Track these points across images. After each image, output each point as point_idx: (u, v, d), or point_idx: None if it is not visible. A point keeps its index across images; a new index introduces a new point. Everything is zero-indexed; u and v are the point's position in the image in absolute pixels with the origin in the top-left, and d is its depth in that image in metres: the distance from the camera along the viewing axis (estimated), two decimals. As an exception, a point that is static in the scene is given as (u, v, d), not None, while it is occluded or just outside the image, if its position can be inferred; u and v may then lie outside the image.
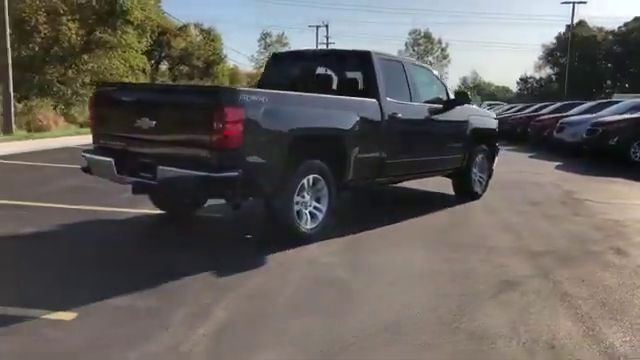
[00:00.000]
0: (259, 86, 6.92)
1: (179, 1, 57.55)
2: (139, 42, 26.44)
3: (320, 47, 46.85)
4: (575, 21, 48.16)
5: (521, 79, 65.43)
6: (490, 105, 36.61)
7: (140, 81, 25.96)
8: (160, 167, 4.63)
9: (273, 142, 4.76)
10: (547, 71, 62.56)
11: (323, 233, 5.38)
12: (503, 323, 3.63)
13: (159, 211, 6.09)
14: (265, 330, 3.36)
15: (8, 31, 15.20)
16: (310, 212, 5.30)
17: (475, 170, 7.82)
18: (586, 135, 13.86)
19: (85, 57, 24.36)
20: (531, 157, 15.38)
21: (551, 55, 60.70)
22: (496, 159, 8.37)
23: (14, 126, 15.08)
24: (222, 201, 5.24)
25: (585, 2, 48.63)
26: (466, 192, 7.80)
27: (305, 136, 5.02)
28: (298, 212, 5.15)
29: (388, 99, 6.04)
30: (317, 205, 5.36)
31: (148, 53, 34.76)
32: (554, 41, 59.49)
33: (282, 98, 5.02)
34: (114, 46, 24.44)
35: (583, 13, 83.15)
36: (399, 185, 8.12)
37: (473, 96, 57.56)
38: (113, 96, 5.46)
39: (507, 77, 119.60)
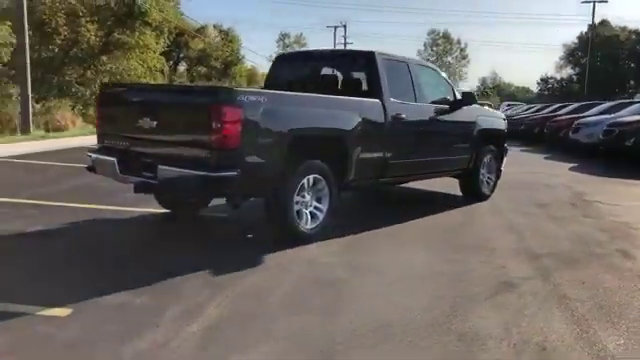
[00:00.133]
0: (265, 86, 6.96)
1: (198, 2, 58.07)
2: (157, 43, 26.68)
3: (338, 48, 46.86)
4: (597, 20, 47.57)
5: (541, 79, 64.65)
6: (509, 105, 36.34)
7: (158, 82, 26.20)
8: (160, 167, 4.69)
9: (272, 142, 4.79)
10: (568, 71, 61.73)
11: (324, 233, 5.39)
12: (496, 324, 3.61)
13: (164, 210, 6.16)
14: (255, 328, 3.39)
15: (27, 34, 15.43)
16: (310, 212, 5.32)
17: (483, 171, 7.76)
18: (602, 136, 13.65)
19: (104, 58, 24.67)
20: (546, 158, 15.22)
21: (572, 55, 59.87)
22: (505, 160, 8.31)
23: (32, 126, 15.34)
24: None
25: (606, 1, 48.01)
26: (473, 193, 7.75)
27: (304, 136, 5.04)
28: (298, 212, 5.17)
29: (392, 99, 6.04)
30: (318, 205, 5.37)
31: (166, 54, 35.10)
32: (575, 41, 58.70)
33: (281, 98, 5.05)
34: (132, 47, 24.70)
35: (605, 12, 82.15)
36: (406, 186, 8.11)
37: (493, 96, 56.95)
38: (116, 97, 5.55)
39: (528, 77, 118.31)
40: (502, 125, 8.25)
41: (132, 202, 6.34)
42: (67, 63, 23.53)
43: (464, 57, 73.70)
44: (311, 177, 5.22)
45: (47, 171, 9.17)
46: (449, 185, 8.15)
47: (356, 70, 6.51)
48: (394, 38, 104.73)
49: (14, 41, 15.74)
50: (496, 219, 6.86)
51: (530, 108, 26.48)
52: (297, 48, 60.79)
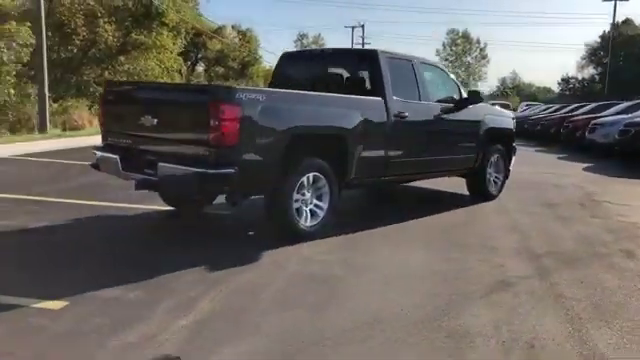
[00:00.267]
0: (270, 84, 7.01)
1: (216, 3, 58.40)
2: (173, 44, 26.91)
3: (356, 48, 46.83)
4: (621, 19, 46.80)
5: (562, 79, 63.77)
6: (527, 105, 36.01)
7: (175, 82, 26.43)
8: (160, 164, 4.75)
9: (270, 140, 4.82)
10: (590, 71, 60.82)
11: (324, 231, 5.40)
12: (487, 322, 3.60)
13: (168, 208, 6.23)
14: (244, 323, 3.42)
15: (44, 34, 15.68)
16: (310, 210, 5.34)
17: (490, 170, 7.72)
18: (618, 136, 13.47)
19: (121, 58, 24.94)
20: (560, 158, 15.06)
21: (595, 54, 58.95)
22: (513, 159, 8.24)
23: (49, 125, 15.59)
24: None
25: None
26: (480, 192, 7.71)
27: (303, 134, 5.07)
28: (298, 209, 5.20)
29: (394, 98, 6.04)
30: (318, 203, 5.39)
31: (185, 54, 35.42)
32: (598, 40, 57.83)
33: (280, 96, 5.08)
34: (149, 47, 24.95)
35: (629, 11, 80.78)
36: (413, 185, 8.10)
37: (512, 97, 56.40)
38: (119, 95, 5.64)
39: (549, 77, 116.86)
40: (510, 124, 8.18)
41: (138, 200, 6.40)
42: (85, 63, 23.85)
43: (484, 57, 73.19)
44: (311, 175, 5.24)
45: (58, 169, 9.32)
46: (456, 184, 8.11)
47: (359, 69, 6.50)
48: (413, 38, 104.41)
49: (34, 42, 16.00)
50: (501, 219, 6.82)
51: (548, 108, 26.20)
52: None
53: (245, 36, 42.89)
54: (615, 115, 16.04)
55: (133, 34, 24.98)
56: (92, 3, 22.69)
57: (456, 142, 7.10)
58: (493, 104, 34.50)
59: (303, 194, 5.26)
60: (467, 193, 7.92)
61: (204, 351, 3.02)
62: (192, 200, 6.10)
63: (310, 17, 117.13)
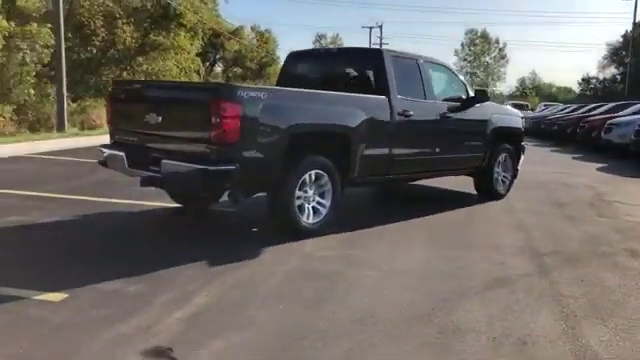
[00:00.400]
0: (278, 84, 7.07)
1: (235, 4, 58.71)
2: (191, 44, 27.16)
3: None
4: (641, 18, 45.95)
5: (583, 79, 62.89)
6: (545, 106, 35.66)
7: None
8: (163, 161, 4.83)
9: (272, 137, 4.88)
10: (612, 71, 59.90)
11: (327, 228, 5.44)
12: (480, 319, 3.62)
13: (175, 204, 6.33)
14: (238, 316, 3.48)
15: (62, 35, 15.94)
16: (313, 207, 5.39)
17: (498, 169, 7.69)
18: (634, 136, 13.32)
19: (140, 59, 25.24)
20: (575, 158, 14.91)
21: (616, 54, 58.04)
22: (522, 159, 8.20)
23: (67, 124, 15.85)
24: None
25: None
26: (487, 191, 7.69)
27: (305, 132, 5.12)
28: (300, 207, 5.25)
29: (399, 96, 6.06)
30: (321, 200, 5.44)
31: (203, 55, 35.72)
32: (620, 39, 56.94)
33: (281, 94, 5.14)
34: (167, 48, 25.21)
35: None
36: (420, 183, 8.12)
37: (531, 97, 55.75)
38: (125, 94, 5.75)
39: (570, 77, 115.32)
40: (518, 123, 8.14)
41: (146, 196, 6.50)
42: (104, 64, 24.19)
43: (502, 57, 72.59)
44: (313, 173, 5.29)
45: (71, 167, 9.50)
46: (465, 183, 8.09)
47: (364, 67, 6.52)
48: (431, 38, 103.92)
49: (54, 43, 16.28)
50: (507, 218, 6.80)
51: (565, 108, 25.92)
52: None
53: (263, 37, 43.07)
54: (632, 115, 15.85)
55: (151, 35, 25.27)
56: (111, 4, 23.01)
57: (462, 141, 7.09)
58: (513, 104, 34.21)
59: (305, 191, 5.30)
60: (475, 192, 7.90)
61: (195, 343, 3.08)
62: (198, 197, 6.17)
63: (329, 18, 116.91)
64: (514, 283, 4.37)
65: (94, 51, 23.72)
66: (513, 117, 8.17)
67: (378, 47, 6.93)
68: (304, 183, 5.25)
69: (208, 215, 6.37)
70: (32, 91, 16.39)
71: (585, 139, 17.47)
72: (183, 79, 26.43)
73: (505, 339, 3.34)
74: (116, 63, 24.53)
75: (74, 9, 22.15)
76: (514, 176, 8.02)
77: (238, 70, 41.59)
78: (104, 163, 5.68)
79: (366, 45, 51.58)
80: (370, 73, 6.35)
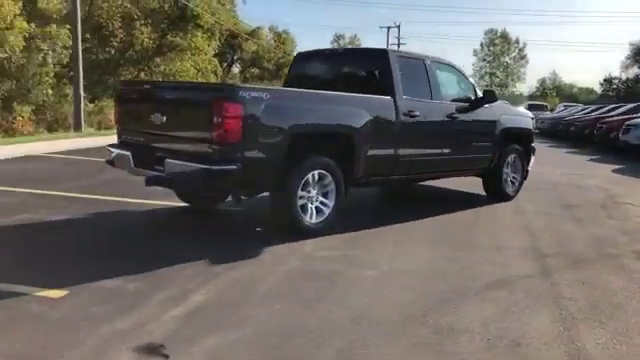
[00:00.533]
0: (285, 85, 7.11)
1: (252, 4, 58.86)
2: (208, 45, 27.38)
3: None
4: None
5: (605, 80, 62.01)
6: (565, 106, 35.27)
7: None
8: (167, 160, 4.90)
9: (274, 138, 4.90)
10: (635, 71, 58.92)
11: (330, 228, 5.46)
12: (477, 320, 3.61)
13: (182, 204, 6.39)
14: (234, 315, 3.51)
15: (79, 37, 16.17)
16: (316, 207, 5.41)
17: (507, 170, 7.64)
18: (652, 137, 13.15)
19: (157, 60, 25.52)
20: (590, 160, 14.72)
21: (639, 54, 57.18)
22: (532, 160, 8.13)
23: (83, 124, 16.10)
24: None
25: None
26: (496, 192, 7.64)
27: (308, 132, 5.15)
28: (303, 206, 5.27)
29: (404, 97, 6.06)
30: (324, 200, 5.46)
31: (221, 56, 35.96)
32: (644, 39, 55.99)
33: (283, 95, 5.18)
34: (184, 49, 25.45)
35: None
36: (429, 183, 8.10)
37: (551, 98, 55.06)
38: (132, 94, 5.83)
39: (592, 78, 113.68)
40: (528, 124, 8.08)
41: (154, 196, 6.56)
42: (122, 64, 24.52)
43: (522, 57, 71.91)
44: (316, 173, 5.31)
45: (84, 166, 9.63)
46: (475, 185, 8.04)
47: (370, 68, 6.52)
48: (450, 38, 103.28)
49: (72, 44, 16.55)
50: (515, 219, 6.75)
51: (584, 109, 25.61)
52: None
53: (280, 37, 43.22)
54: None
55: (169, 36, 25.55)
56: (129, 6, 23.32)
57: (470, 142, 7.05)
58: (531, 105, 33.78)
59: (308, 191, 5.33)
60: (484, 193, 7.86)
61: (188, 340, 3.12)
62: (205, 196, 6.23)
63: (347, 18, 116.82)
64: (515, 284, 4.35)
65: (112, 52, 24.07)
66: (522, 118, 8.11)
67: (384, 47, 6.99)
68: (307, 183, 5.27)
69: (214, 214, 6.43)
70: (50, 91, 16.68)
71: (602, 140, 17.27)
72: (200, 80, 26.65)
73: (499, 340, 3.33)
74: (134, 64, 24.86)
75: (93, 10, 22.48)
76: (524, 177, 7.95)
77: (255, 71, 41.78)
78: (111, 162, 5.76)
79: (383, 45, 51.49)
80: (375, 73, 6.34)
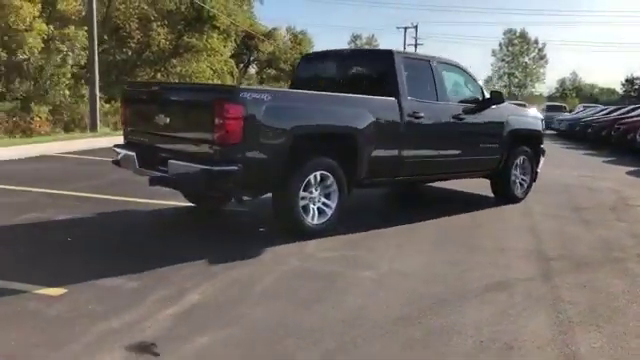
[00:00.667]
0: (291, 86, 7.14)
1: (270, 5, 59.00)
2: (224, 46, 27.55)
3: (408, 49, 46.60)
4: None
5: (627, 80, 61.13)
6: (584, 107, 34.84)
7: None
8: (170, 161, 4.95)
9: (275, 139, 4.93)
10: (659, 70, 57.98)
11: (332, 229, 5.46)
12: (472, 322, 3.59)
13: (188, 204, 6.45)
14: (229, 314, 3.54)
15: (95, 38, 16.38)
16: (318, 208, 5.42)
17: (515, 172, 7.58)
18: (670, 139, 12.93)
19: (174, 61, 25.75)
20: (606, 162, 14.50)
21: (662, 54, 56.27)
22: (542, 161, 8.05)
23: (99, 124, 16.31)
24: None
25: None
26: (504, 194, 7.58)
27: (309, 133, 5.17)
28: (305, 207, 5.29)
29: (409, 98, 6.05)
30: (326, 201, 5.47)
31: (237, 57, 36.17)
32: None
33: (284, 96, 5.21)
34: (200, 50, 25.65)
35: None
36: (435, 185, 8.06)
37: (571, 98, 54.32)
38: (137, 95, 5.90)
39: (614, 78, 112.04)
40: (537, 126, 8.00)
41: (165, 196, 6.60)
42: (139, 65, 24.79)
43: (542, 57, 71.14)
44: (318, 174, 5.32)
45: (96, 165, 9.73)
46: (483, 186, 7.98)
47: (375, 69, 6.52)
48: (468, 38, 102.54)
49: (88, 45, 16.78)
50: (522, 221, 6.70)
51: (603, 110, 25.27)
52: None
53: (297, 38, 43.31)
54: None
55: (185, 37, 25.76)
56: (146, 7, 23.55)
57: (477, 143, 7.00)
58: (549, 106, 33.39)
59: (310, 192, 5.34)
60: (492, 195, 7.80)
61: (180, 339, 3.15)
62: (210, 197, 6.27)
63: (365, 18, 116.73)
64: (514, 287, 4.32)
65: (129, 53, 24.37)
66: (531, 119, 8.04)
67: (389, 49, 7.00)
68: (309, 184, 5.29)
69: (220, 215, 6.47)
70: (67, 92, 16.93)
71: (620, 142, 17.03)
72: (216, 81, 26.83)
73: (492, 343, 3.32)
74: (150, 65, 25.12)
75: (111, 12, 22.76)
76: (533, 179, 7.88)
77: (272, 72, 41.93)
78: (117, 163, 5.83)
79: (400, 46, 51.33)
80: (381, 74, 6.34)
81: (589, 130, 20.50)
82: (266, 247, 4.99)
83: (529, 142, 7.72)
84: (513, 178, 7.56)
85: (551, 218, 6.85)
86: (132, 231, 5.52)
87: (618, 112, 21.53)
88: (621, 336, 3.49)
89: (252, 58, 41.40)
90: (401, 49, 6.27)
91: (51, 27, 16.60)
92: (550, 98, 61.71)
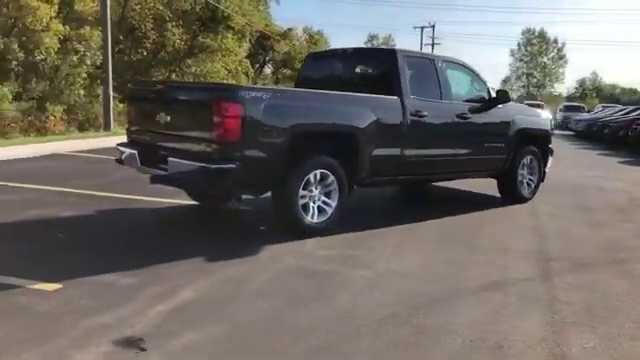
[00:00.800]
0: (296, 85, 7.15)
1: (287, 5, 59.24)
2: (239, 47, 27.64)
3: (425, 49, 46.45)
4: None
5: (647, 80, 60.25)
6: (603, 107, 34.40)
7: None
8: (170, 159, 4.99)
9: (274, 137, 4.94)
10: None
11: (333, 228, 5.46)
12: (464, 321, 3.57)
13: (192, 202, 6.49)
14: (219, 311, 3.56)
15: (109, 38, 16.55)
16: (318, 206, 5.42)
17: (522, 172, 7.51)
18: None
19: (189, 61, 25.89)
20: (621, 162, 14.27)
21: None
22: (550, 161, 7.96)
23: (113, 124, 16.47)
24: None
25: None
26: (511, 194, 7.51)
27: (308, 132, 5.17)
28: (304, 206, 5.29)
29: (412, 97, 6.02)
30: (326, 200, 5.46)
31: (253, 57, 36.25)
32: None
33: (283, 95, 5.22)
34: (215, 50, 25.76)
35: None
36: (443, 185, 8.03)
37: (590, 98, 53.65)
38: (141, 94, 5.95)
39: (637, 78, 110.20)
40: (545, 125, 7.92)
41: (169, 194, 6.61)
42: (154, 65, 24.94)
43: (561, 57, 70.25)
44: (318, 172, 5.32)
45: (104, 164, 9.79)
46: (490, 186, 7.91)
47: (378, 68, 6.49)
48: (485, 38, 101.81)
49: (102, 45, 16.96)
50: (527, 221, 6.64)
51: (621, 110, 24.92)
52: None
53: (312, 38, 43.32)
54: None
55: (200, 37, 25.86)
56: (161, 7, 23.70)
57: (482, 142, 6.94)
58: (566, 107, 33.02)
59: (310, 191, 5.34)
60: (499, 195, 7.74)
61: (168, 334, 3.17)
62: (213, 195, 6.30)
63: (382, 18, 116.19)
64: (511, 287, 4.29)
65: (145, 53, 24.52)
66: (539, 118, 7.96)
67: (393, 47, 6.90)
68: (308, 182, 5.29)
69: (223, 213, 6.50)
70: (82, 92, 17.12)
71: (637, 142, 16.81)
72: (231, 81, 26.93)
73: (482, 342, 3.29)
74: (165, 65, 25.28)
75: (126, 12, 22.96)
76: (541, 179, 7.80)
77: (287, 72, 41.95)
78: (120, 161, 5.89)
79: (417, 46, 51.15)
80: (384, 73, 6.31)
81: (606, 130, 20.23)
82: (264, 245, 5.00)
83: (536, 142, 7.63)
84: (520, 178, 7.48)
85: (558, 218, 6.78)
86: (135, 228, 5.56)
87: (636, 112, 21.20)
88: (615, 337, 3.44)
89: (268, 58, 41.46)
90: (411, 49, 6.21)
91: (67, 27, 16.81)
92: (569, 98, 60.95)
